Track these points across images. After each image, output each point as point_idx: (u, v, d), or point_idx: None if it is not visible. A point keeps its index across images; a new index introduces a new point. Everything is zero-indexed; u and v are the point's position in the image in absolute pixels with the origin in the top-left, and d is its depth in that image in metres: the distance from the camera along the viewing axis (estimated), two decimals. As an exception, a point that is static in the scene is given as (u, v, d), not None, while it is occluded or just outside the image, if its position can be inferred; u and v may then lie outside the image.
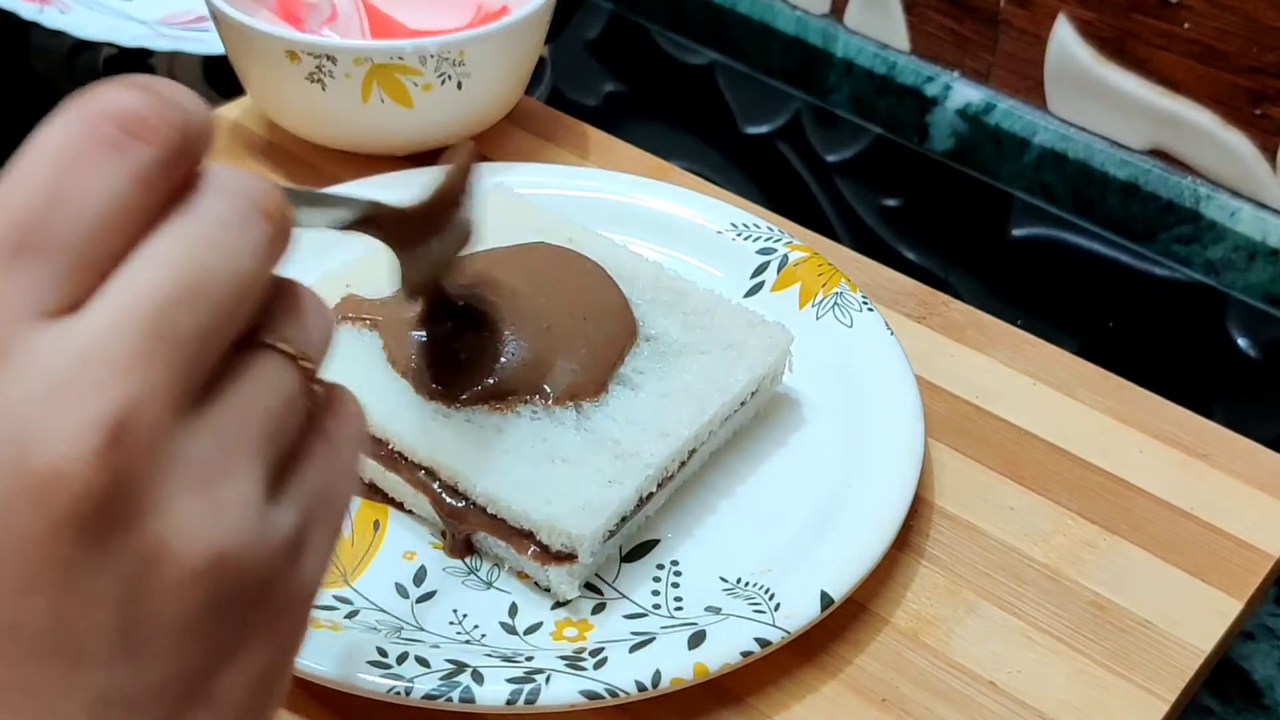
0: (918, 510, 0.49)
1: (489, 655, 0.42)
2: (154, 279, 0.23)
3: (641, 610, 0.45)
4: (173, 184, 0.24)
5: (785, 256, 0.58)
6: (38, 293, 0.22)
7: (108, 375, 0.22)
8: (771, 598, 0.44)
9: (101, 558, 0.22)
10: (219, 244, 0.24)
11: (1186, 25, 0.65)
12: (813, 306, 0.56)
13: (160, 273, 0.23)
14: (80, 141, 0.23)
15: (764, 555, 0.46)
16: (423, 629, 0.44)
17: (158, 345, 0.23)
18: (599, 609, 0.45)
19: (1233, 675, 0.49)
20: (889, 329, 0.54)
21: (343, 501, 0.28)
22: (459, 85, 0.61)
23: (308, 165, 0.64)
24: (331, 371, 0.28)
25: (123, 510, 0.22)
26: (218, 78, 0.75)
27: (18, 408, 0.22)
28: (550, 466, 0.45)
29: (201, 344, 0.23)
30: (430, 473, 0.46)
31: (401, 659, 0.41)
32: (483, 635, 0.44)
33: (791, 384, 0.53)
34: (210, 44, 0.70)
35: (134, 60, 0.77)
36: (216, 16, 0.61)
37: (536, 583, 0.45)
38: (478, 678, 0.41)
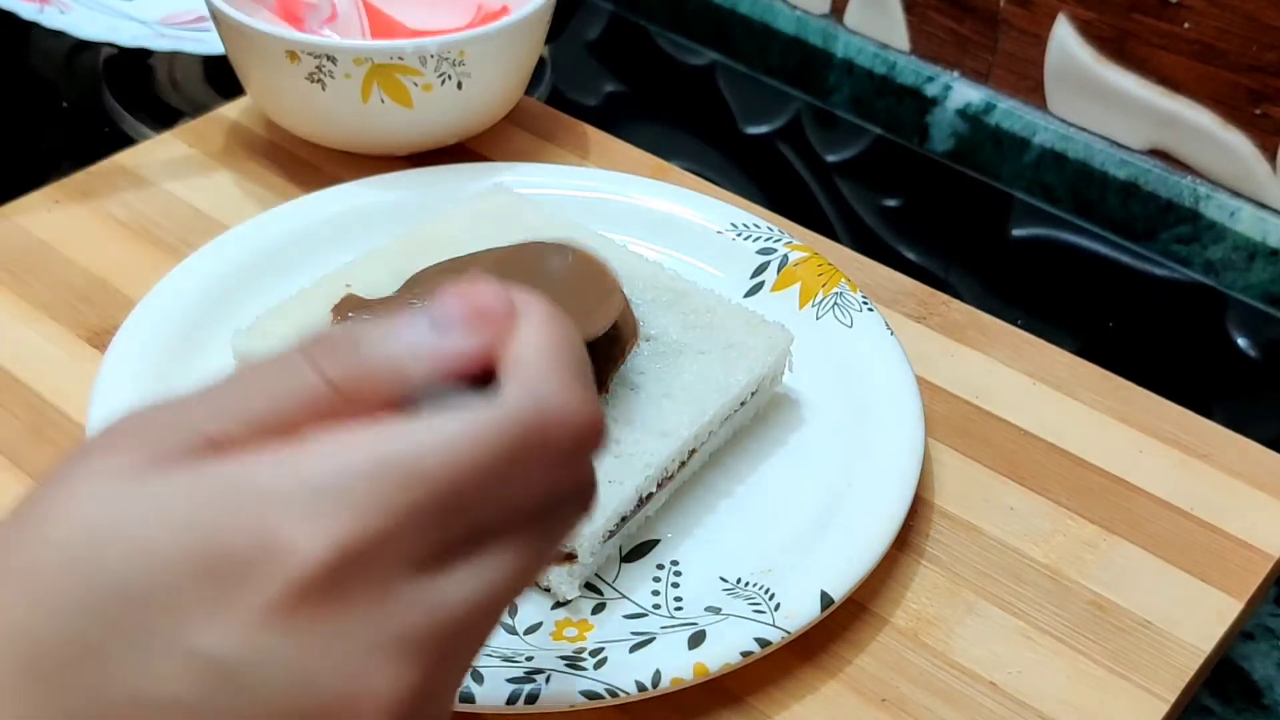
0: (918, 510, 0.49)
1: (489, 655, 0.42)
2: (499, 579, 0.24)
3: (641, 610, 0.45)
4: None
5: (785, 256, 0.58)
6: (427, 548, 0.23)
7: (432, 651, 0.23)
8: (771, 598, 0.44)
9: None
10: (553, 549, 0.26)
11: (1186, 25, 0.65)
12: (813, 306, 0.56)
13: (506, 575, 0.25)
14: (544, 441, 0.24)
15: (764, 555, 0.46)
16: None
17: (465, 641, 0.24)
18: (599, 609, 0.45)
19: (1233, 675, 0.49)
20: (889, 329, 0.54)
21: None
22: (459, 85, 0.61)
23: (308, 165, 0.64)
24: None
25: None
26: (218, 78, 0.75)
27: (362, 652, 0.23)
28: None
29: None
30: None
31: (401, 659, 0.41)
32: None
33: (791, 384, 0.53)
34: (210, 44, 0.70)
35: (134, 60, 0.77)
36: (216, 16, 0.61)
37: (536, 582, 0.45)
38: (477, 678, 0.41)
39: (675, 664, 0.42)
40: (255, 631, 0.22)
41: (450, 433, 0.23)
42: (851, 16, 0.78)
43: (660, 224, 0.60)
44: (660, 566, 0.47)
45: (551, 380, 0.24)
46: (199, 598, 0.22)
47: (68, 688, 0.22)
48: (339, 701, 0.23)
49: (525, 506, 0.25)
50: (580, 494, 0.26)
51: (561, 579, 0.44)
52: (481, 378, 0.25)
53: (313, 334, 0.25)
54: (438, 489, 0.23)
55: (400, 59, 0.59)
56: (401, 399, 0.24)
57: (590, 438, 0.25)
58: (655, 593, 0.46)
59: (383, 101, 0.60)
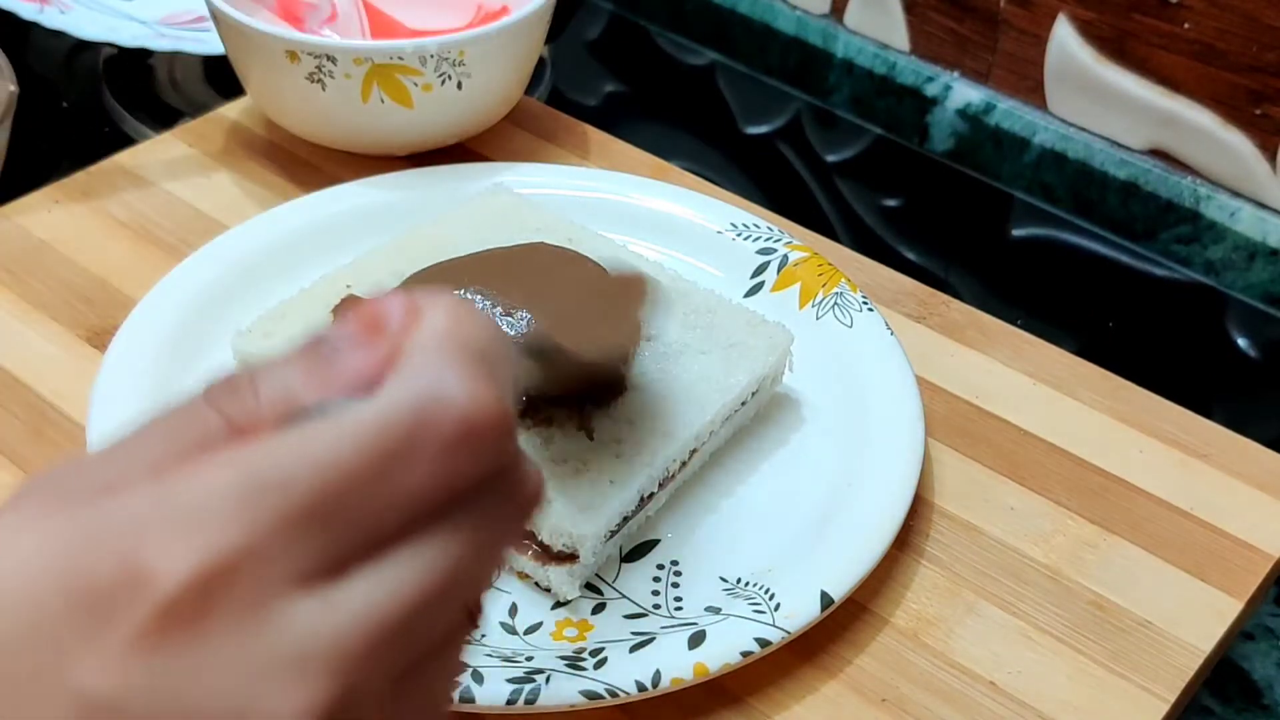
0: (918, 510, 0.49)
1: (489, 655, 0.42)
2: (407, 582, 0.23)
3: (641, 610, 0.45)
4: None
5: (785, 256, 0.58)
6: (308, 559, 0.22)
7: (338, 667, 0.22)
8: (771, 598, 0.44)
9: None
10: (494, 541, 0.25)
11: (1186, 25, 0.65)
12: (813, 306, 0.56)
13: (415, 577, 0.23)
14: (422, 433, 0.23)
15: (764, 555, 0.46)
16: (423, 629, 0.44)
17: (387, 651, 0.23)
18: (599, 609, 0.45)
19: (1233, 675, 0.49)
20: (889, 329, 0.54)
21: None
22: (459, 85, 0.61)
23: (308, 165, 0.64)
24: None
25: None
26: (218, 78, 0.75)
27: (252, 674, 0.21)
28: (551, 466, 0.45)
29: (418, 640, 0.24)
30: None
31: (401, 659, 0.41)
32: (482, 635, 0.44)
33: (791, 384, 0.53)
34: (210, 44, 0.70)
35: (134, 60, 0.77)
36: (216, 16, 0.61)
37: (536, 583, 0.45)
38: (477, 677, 0.41)
39: (675, 664, 0.42)
40: (129, 663, 0.21)
41: (317, 438, 0.23)
42: (851, 16, 0.78)
43: (660, 224, 0.60)
44: (660, 566, 0.47)
45: (433, 368, 0.23)
46: (72, 635, 0.21)
47: None
48: None
49: (426, 504, 0.23)
50: (508, 484, 0.25)
51: (561, 579, 0.44)
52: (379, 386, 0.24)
53: (214, 378, 0.24)
54: (305, 497, 0.22)
55: (400, 59, 0.59)
56: (292, 419, 0.23)
57: (483, 424, 0.23)
58: (655, 593, 0.46)
59: (383, 101, 0.60)
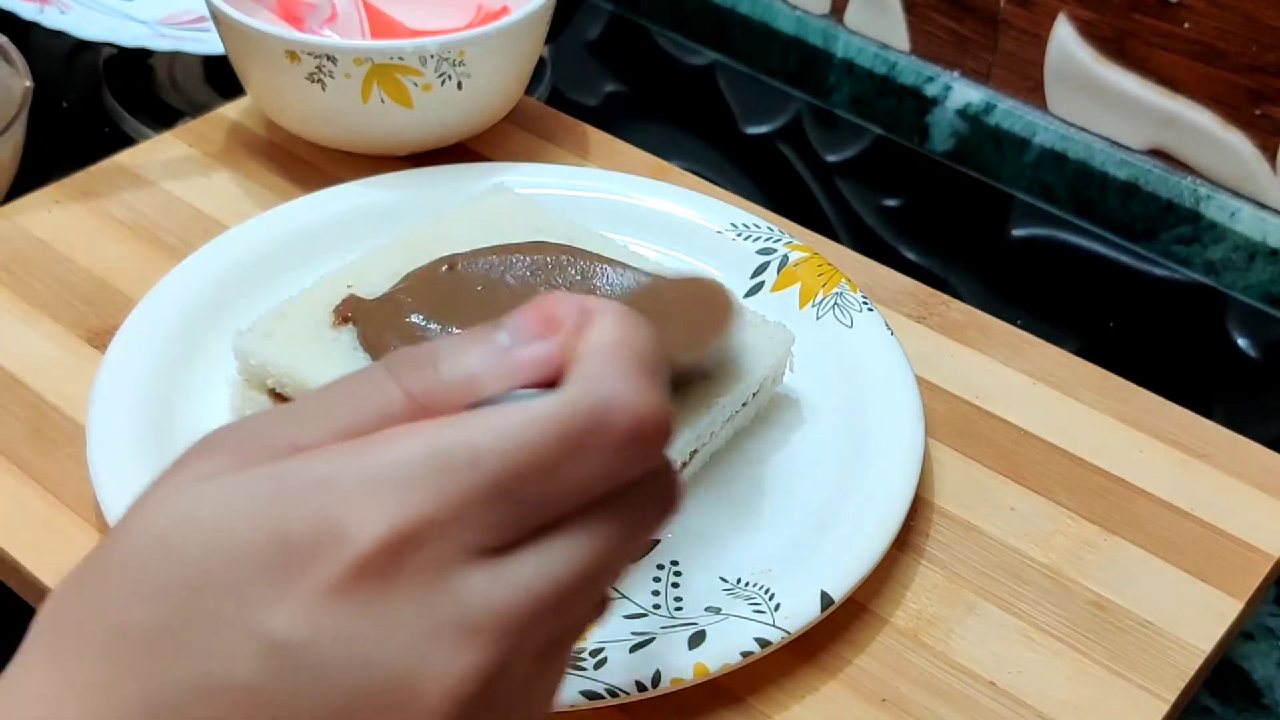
0: (918, 510, 0.49)
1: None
2: (567, 564, 0.25)
3: (641, 610, 0.45)
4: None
5: (785, 256, 0.58)
6: (486, 533, 0.24)
7: (500, 635, 0.24)
8: (771, 598, 0.44)
9: None
10: (633, 541, 0.27)
11: (1186, 25, 0.65)
12: (813, 306, 0.56)
13: (574, 560, 0.25)
14: (599, 430, 0.25)
15: (764, 555, 0.46)
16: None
17: (542, 626, 0.25)
18: (599, 609, 0.45)
19: (1233, 675, 0.50)
20: (889, 329, 0.54)
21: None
22: (459, 85, 0.61)
23: (308, 165, 0.64)
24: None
25: None
26: (218, 78, 0.75)
27: (426, 633, 0.23)
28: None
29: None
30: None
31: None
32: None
33: (791, 384, 0.53)
34: (210, 44, 0.70)
35: (134, 60, 0.77)
36: (216, 16, 0.61)
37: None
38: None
39: (675, 664, 0.42)
40: (317, 612, 0.23)
41: (505, 422, 0.24)
42: (852, 16, 0.78)
43: (660, 224, 0.60)
44: (660, 566, 0.47)
45: (611, 373, 0.25)
46: (266, 582, 0.23)
47: (143, 673, 0.23)
48: (400, 681, 0.23)
49: (589, 495, 0.25)
50: (656, 487, 0.27)
51: (561, 579, 0.44)
52: (553, 384, 0.26)
53: (395, 352, 0.27)
54: (492, 474, 0.24)
55: (400, 59, 0.59)
56: (475, 402, 0.25)
57: (651, 429, 0.25)
58: (655, 593, 0.46)
59: (383, 101, 0.60)
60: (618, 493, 0.26)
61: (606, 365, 0.25)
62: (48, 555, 0.46)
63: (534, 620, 0.24)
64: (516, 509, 0.24)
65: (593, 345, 0.26)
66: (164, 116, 0.73)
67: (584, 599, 0.26)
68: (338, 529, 0.23)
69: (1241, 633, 0.50)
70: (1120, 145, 0.70)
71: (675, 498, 0.28)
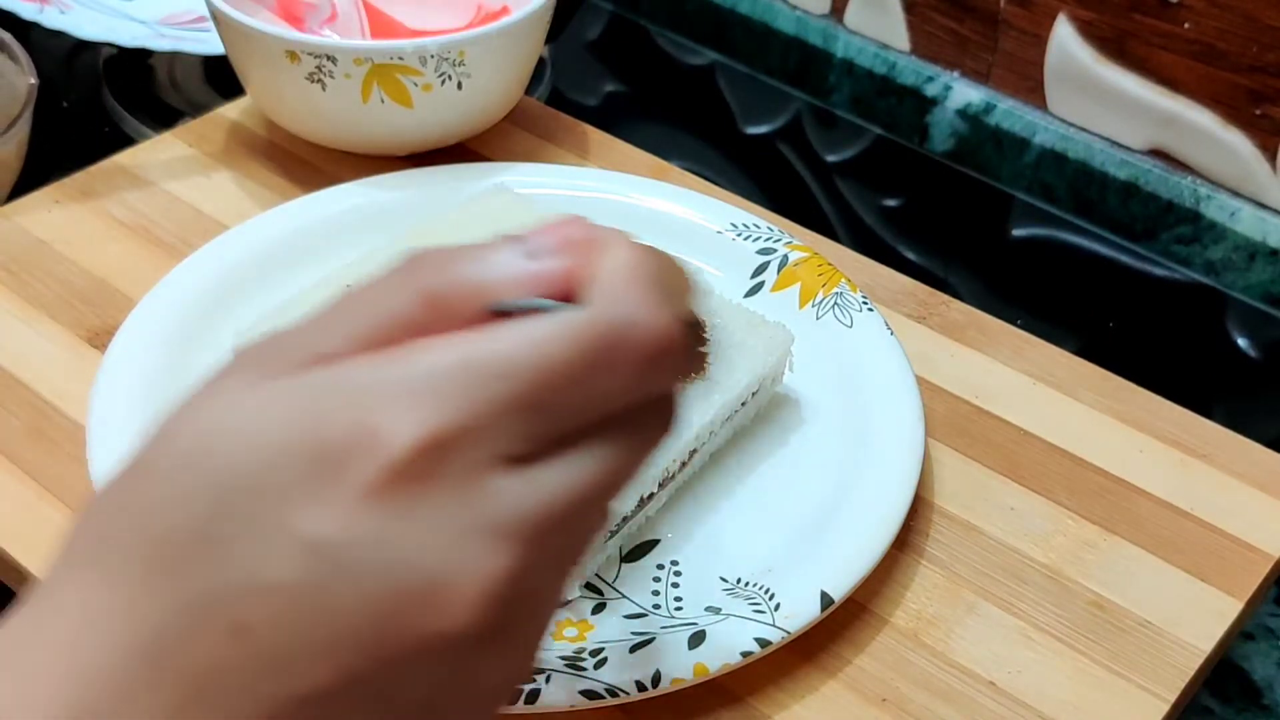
0: (918, 510, 0.49)
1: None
2: (589, 473, 0.26)
3: (641, 610, 0.45)
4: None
5: (785, 256, 0.58)
6: (515, 441, 0.25)
7: (527, 539, 0.25)
8: (771, 598, 0.44)
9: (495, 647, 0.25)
10: (637, 460, 0.27)
11: (1186, 25, 0.65)
12: (813, 306, 0.56)
13: (595, 470, 0.26)
14: (625, 345, 0.26)
15: (764, 555, 0.46)
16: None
17: (564, 532, 0.26)
18: (599, 609, 0.45)
19: (1233, 675, 0.50)
20: (889, 329, 0.54)
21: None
22: (459, 85, 0.61)
23: (308, 165, 0.64)
24: None
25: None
26: (218, 78, 0.75)
27: (458, 536, 0.24)
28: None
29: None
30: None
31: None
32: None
33: (791, 384, 0.53)
34: (210, 44, 0.70)
35: (134, 60, 0.77)
36: (216, 16, 0.61)
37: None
38: (478, 678, 0.41)
39: (675, 664, 0.42)
40: (354, 513, 0.23)
41: (535, 335, 0.25)
42: (851, 16, 0.78)
43: (660, 224, 0.60)
44: (660, 566, 0.47)
45: (631, 293, 0.26)
46: (303, 485, 0.24)
47: (183, 575, 0.23)
48: (435, 580, 0.24)
49: (608, 411, 0.26)
50: (661, 409, 0.28)
51: (561, 579, 0.44)
52: (566, 300, 0.27)
53: (416, 252, 0.27)
54: (522, 385, 0.25)
55: (400, 59, 0.59)
56: (493, 314, 0.26)
57: (667, 348, 0.26)
58: (655, 593, 0.46)
59: (383, 101, 0.60)
60: (631, 409, 0.26)
61: (628, 286, 0.26)
62: (48, 555, 0.46)
63: (556, 527, 0.25)
64: (544, 420, 0.25)
65: (612, 265, 0.27)
66: (164, 116, 0.73)
67: (596, 510, 0.27)
68: (374, 434, 0.24)
69: (1241, 633, 0.50)
70: (1120, 145, 0.70)
71: (674, 418, 0.28)
